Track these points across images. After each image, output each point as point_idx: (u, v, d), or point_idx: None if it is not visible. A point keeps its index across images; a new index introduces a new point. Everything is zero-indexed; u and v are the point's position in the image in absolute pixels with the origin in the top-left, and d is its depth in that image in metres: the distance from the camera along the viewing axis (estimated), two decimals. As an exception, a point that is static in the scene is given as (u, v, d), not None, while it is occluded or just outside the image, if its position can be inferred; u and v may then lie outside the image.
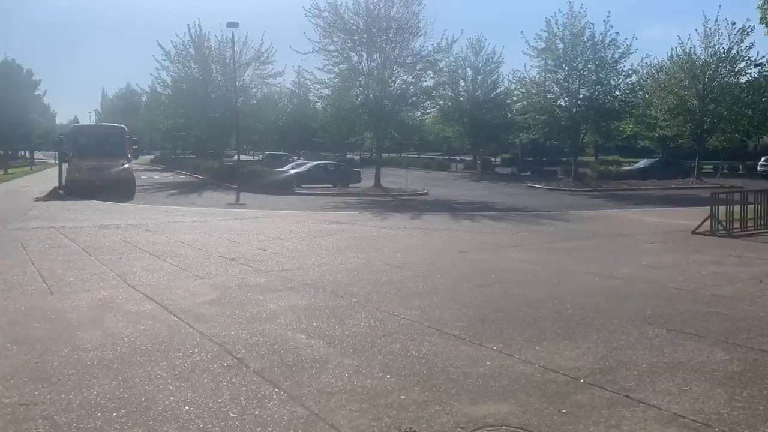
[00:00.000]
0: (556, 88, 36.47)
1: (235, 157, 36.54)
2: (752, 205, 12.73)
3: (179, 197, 24.26)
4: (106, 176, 23.48)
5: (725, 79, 34.52)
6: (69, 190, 23.10)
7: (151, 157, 72.15)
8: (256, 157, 57.94)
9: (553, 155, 51.94)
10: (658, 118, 37.27)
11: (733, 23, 33.24)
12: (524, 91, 38.79)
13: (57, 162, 27.88)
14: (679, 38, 49.80)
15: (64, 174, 24.32)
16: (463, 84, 47.03)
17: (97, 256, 9.40)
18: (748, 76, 35.17)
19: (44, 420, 3.58)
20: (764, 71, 33.96)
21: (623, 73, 35.17)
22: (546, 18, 34.70)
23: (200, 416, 3.63)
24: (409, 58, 28.74)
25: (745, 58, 33.85)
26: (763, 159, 44.22)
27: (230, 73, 33.96)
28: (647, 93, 37.10)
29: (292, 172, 31.03)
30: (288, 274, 8.05)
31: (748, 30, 32.55)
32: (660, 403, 3.78)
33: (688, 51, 34.80)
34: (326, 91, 30.40)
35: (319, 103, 43.81)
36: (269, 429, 3.48)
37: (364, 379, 4.22)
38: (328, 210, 18.17)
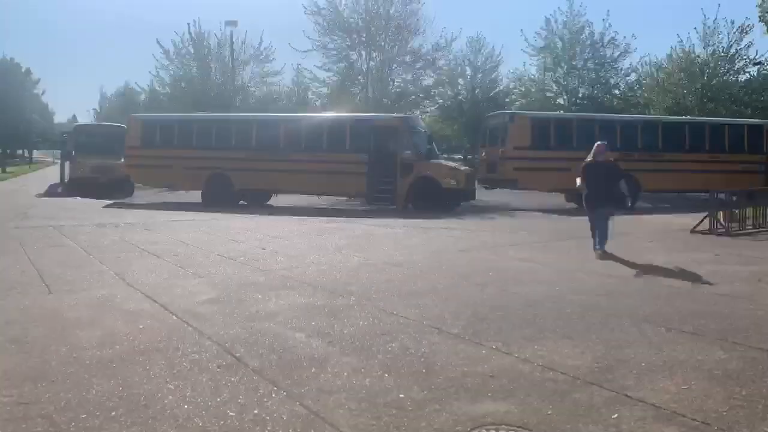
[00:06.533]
0: (555, 87, 36.54)
1: None
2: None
3: (178, 194, 24.20)
4: (107, 174, 23.75)
5: (724, 78, 34.50)
6: (69, 188, 23.81)
7: None
8: None
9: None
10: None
11: (732, 22, 33.30)
12: (523, 89, 38.83)
13: (58, 160, 28.75)
14: (678, 37, 49.79)
15: (67, 171, 24.90)
16: (462, 82, 47.07)
17: (96, 254, 9.39)
18: (747, 75, 35.23)
19: (43, 419, 3.57)
20: (763, 70, 33.95)
21: (622, 72, 35.26)
22: (545, 16, 34.82)
23: (199, 415, 3.63)
24: (408, 56, 28.79)
25: (744, 57, 33.88)
26: None
27: (229, 72, 33.93)
28: (646, 92, 37.13)
29: None
30: (287, 272, 8.04)
31: (748, 29, 32.59)
32: (659, 402, 3.78)
33: (687, 50, 34.83)
34: (325, 90, 30.40)
35: (318, 102, 43.76)
36: (268, 428, 3.47)
37: (363, 378, 4.22)
38: (326, 209, 18.15)
